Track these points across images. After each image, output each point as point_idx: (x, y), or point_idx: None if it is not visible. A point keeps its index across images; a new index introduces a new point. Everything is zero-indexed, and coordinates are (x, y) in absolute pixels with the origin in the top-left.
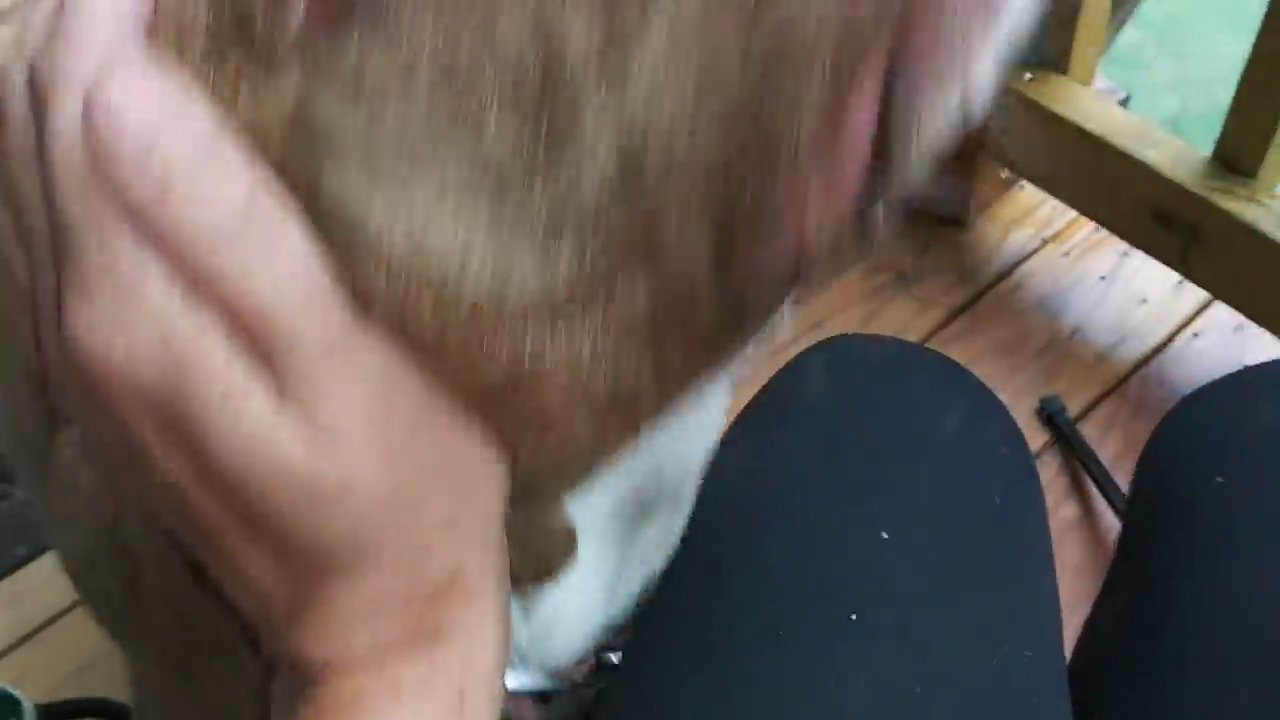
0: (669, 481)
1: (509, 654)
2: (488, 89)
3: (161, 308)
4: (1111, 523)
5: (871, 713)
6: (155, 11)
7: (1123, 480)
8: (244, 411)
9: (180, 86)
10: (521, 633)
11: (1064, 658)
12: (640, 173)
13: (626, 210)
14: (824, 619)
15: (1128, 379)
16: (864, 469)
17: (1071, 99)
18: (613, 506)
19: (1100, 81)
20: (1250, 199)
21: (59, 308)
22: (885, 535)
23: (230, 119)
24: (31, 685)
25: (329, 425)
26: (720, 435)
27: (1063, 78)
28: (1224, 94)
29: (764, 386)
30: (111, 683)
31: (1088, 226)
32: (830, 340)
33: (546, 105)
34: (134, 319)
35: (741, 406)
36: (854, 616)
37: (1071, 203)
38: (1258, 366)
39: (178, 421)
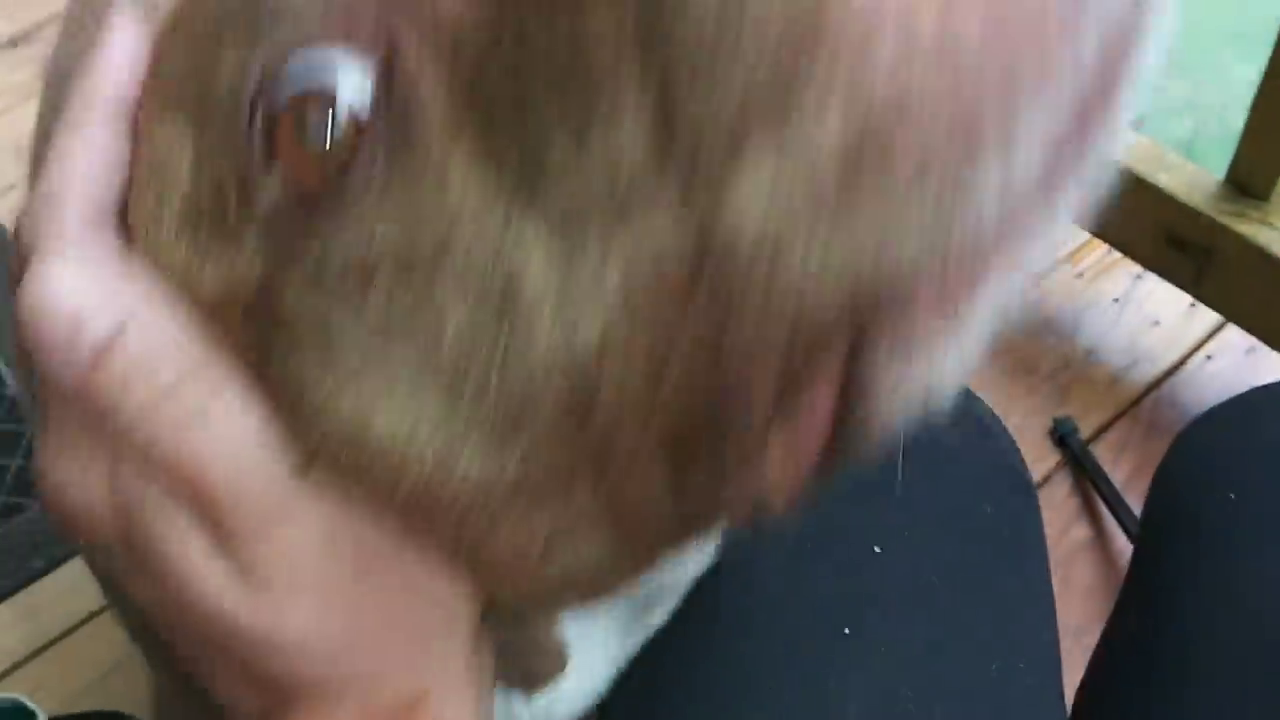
0: (674, 575)
1: None
2: (445, 296)
3: (109, 469)
4: (1123, 545)
5: None
6: (139, 178)
7: (1134, 502)
8: (185, 563)
9: (124, 265)
10: (523, 714)
11: (1060, 669)
12: (591, 408)
13: (581, 431)
14: (818, 634)
15: (1140, 401)
16: (855, 482)
17: None
18: (615, 604)
19: None
20: (1263, 222)
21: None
22: (877, 549)
23: (187, 293)
24: (47, 697)
25: (266, 578)
26: None
27: None
28: (1237, 118)
29: None
30: (126, 696)
31: (1101, 249)
32: None
33: (505, 323)
34: (87, 475)
35: None
36: (847, 630)
37: (1085, 225)
38: (1265, 387)
39: (136, 558)
